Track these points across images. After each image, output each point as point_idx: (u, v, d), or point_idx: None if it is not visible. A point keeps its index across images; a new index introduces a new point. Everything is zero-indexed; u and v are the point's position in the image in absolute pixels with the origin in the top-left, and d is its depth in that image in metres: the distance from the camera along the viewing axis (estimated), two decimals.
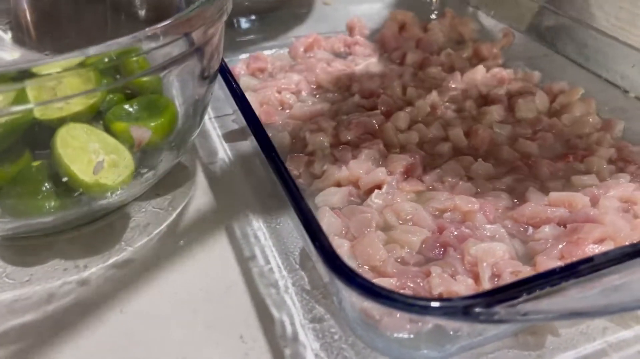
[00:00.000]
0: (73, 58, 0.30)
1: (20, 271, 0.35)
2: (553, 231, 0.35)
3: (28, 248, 0.36)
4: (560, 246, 0.33)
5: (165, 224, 0.38)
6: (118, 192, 0.35)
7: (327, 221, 0.35)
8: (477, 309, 0.23)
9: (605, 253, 0.26)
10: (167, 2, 0.48)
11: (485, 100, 0.48)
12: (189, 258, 0.36)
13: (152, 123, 0.38)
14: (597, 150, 0.41)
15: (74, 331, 0.31)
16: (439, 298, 0.24)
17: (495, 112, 0.46)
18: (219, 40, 0.39)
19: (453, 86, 0.50)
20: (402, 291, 0.26)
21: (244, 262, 0.36)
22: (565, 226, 0.35)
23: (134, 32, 0.31)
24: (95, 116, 0.37)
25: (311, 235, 0.27)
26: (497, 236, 0.35)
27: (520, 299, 0.23)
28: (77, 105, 0.35)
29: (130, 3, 0.50)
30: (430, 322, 0.26)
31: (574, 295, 0.25)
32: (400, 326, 0.27)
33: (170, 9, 0.48)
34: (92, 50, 0.30)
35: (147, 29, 0.32)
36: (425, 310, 0.23)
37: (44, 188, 0.34)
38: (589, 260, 0.25)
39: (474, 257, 0.32)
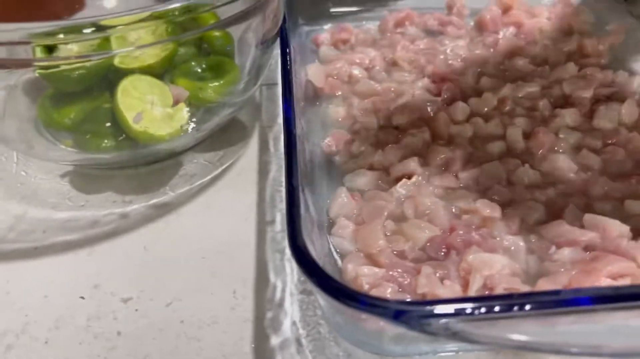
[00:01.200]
0: (142, 12, 0.34)
1: (79, 196, 0.41)
2: (573, 254, 0.32)
3: (92, 178, 0.42)
4: (573, 273, 0.31)
5: (209, 177, 0.42)
6: (166, 142, 0.39)
7: (340, 202, 0.36)
8: (408, 317, 0.23)
9: (576, 290, 0.24)
10: None
11: (565, 101, 0.44)
12: (216, 211, 0.39)
13: (212, 84, 0.41)
14: None
15: (103, 256, 0.36)
16: (374, 296, 0.25)
17: (568, 116, 0.42)
18: (279, 3, 0.41)
19: (538, 81, 0.47)
20: (341, 282, 0.26)
21: (263, 224, 0.38)
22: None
23: None
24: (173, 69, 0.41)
25: (288, 212, 0.28)
26: (513, 248, 0.33)
27: (452, 319, 0.23)
28: (151, 57, 0.40)
29: None
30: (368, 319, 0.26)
31: (522, 327, 0.23)
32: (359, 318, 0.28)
33: None
34: (160, 5, 0.34)
35: None
36: (356, 304, 0.24)
37: (105, 129, 0.39)
38: (553, 293, 0.24)
39: (470, 265, 0.31)
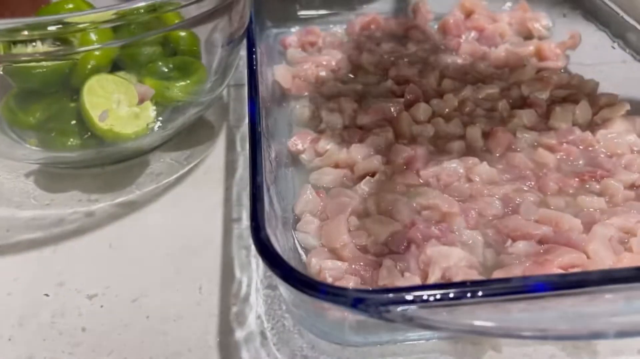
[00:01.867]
0: (107, 11, 0.34)
1: (44, 195, 0.41)
2: (527, 247, 0.33)
3: (58, 176, 0.42)
4: (527, 265, 0.32)
5: (175, 176, 0.42)
6: (133, 141, 0.40)
7: (305, 199, 0.37)
8: (367, 304, 0.24)
9: (527, 278, 0.25)
10: None
11: (523, 102, 0.46)
12: (183, 209, 0.40)
13: (179, 83, 0.42)
14: (619, 173, 0.38)
15: (68, 253, 0.36)
16: (334, 286, 0.25)
17: (525, 116, 0.43)
18: (245, 4, 0.42)
19: (498, 83, 0.48)
20: (302, 273, 0.27)
21: (229, 222, 0.39)
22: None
23: None
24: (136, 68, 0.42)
25: (252, 207, 0.29)
26: (470, 242, 0.34)
27: (409, 306, 0.24)
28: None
29: None
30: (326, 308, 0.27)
31: (475, 313, 0.25)
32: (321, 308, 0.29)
33: None
34: (123, 5, 0.34)
35: None
36: (317, 293, 0.25)
37: (70, 127, 0.39)
38: (505, 281, 0.25)
39: (429, 257, 0.32)
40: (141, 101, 0.37)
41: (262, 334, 0.32)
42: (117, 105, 0.39)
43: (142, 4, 0.33)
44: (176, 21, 0.38)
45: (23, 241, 0.37)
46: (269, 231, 0.28)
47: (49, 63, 0.37)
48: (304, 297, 0.25)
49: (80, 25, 0.33)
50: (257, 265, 0.36)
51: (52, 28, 0.32)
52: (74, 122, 0.39)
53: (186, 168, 0.43)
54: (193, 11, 0.37)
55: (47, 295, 0.34)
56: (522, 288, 0.25)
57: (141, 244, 0.37)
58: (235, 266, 0.36)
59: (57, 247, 0.37)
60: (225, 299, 0.34)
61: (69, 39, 0.34)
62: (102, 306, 0.33)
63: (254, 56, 0.40)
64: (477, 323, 0.24)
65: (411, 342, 0.31)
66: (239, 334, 0.32)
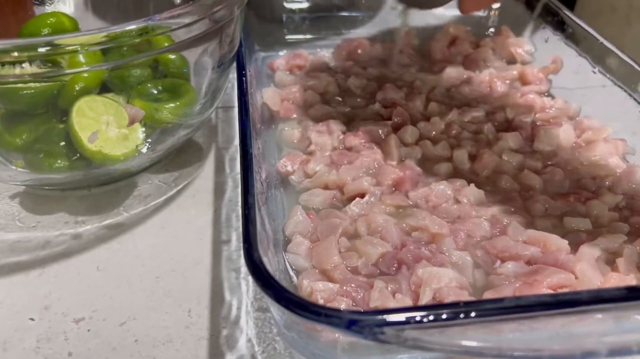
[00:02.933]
0: (98, 33, 0.34)
1: (30, 217, 0.40)
2: (516, 268, 0.34)
3: (44, 199, 0.41)
4: (516, 285, 0.32)
5: (163, 198, 0.42)
6: (121, 162, 0.39)
7: (296, 220, 0.37)
8: (361, 326, 0.24)
9: (518, 298, 0.26)
10: None
11: (508, 126, 0.47)
12: (171, 231, 0.39)
13: (168, 105, 0.42)
14: (603, 195, 0.39)
15: (54, 277, 0.36)
16: (328, 307, 0.25)
17: (511, 139, 0.44)
18: (235, 28, 0.42)
19: (483, 107, 0.49)
20: (296, 294, 0.27)
21: (218, 244, 0.38)
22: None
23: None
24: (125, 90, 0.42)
25: (245, 229, 0.29)
26: (460, 263, 0.35)
27: (402, 326, 0.24)
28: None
29: None
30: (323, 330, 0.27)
31: (468, 333, 0.25)
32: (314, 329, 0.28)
33: None
34: (114, 28, 0.34)
35: (174, 10, 0.35)
36: (311, 315, 0.24)
37: (58, 149, 0.39)
38: (497, 301, 0.25)
39: (420, 278, 0.32)
40: (131, 122, 0.37)
41: (253, 357, 0.31)
42: (106, 127, 0.39)
43: (134, 26, 0.33)
44: (166, 44, 0.39)
45: (8, 264, 0.36)
46: (261, 252, 0.28)
47: (37, 84, 0.37)
48: (297, 319, 0.25)
49: (70, 47, 0.33)
50: (248, 287, 0.35)
51: (41, 50, 0.32)
52: (62, 143, 0.39)
53: (174, 190, 0.43)
54: (183, 35, 0.37)
55: (32, 319, 0.33)
56: (515, 308, 0.25)
57: (129, 266, 0.37)
58: (225, 289, 0.35)
59: (43, 270, 0.36)
60: (215, 322, 0.33)
61: (57, 60, 0.34)
62: (89, 330, 0.33)
63: (244, 79, 0.41)
64: (470, 343, 0.24)
65: None
66: (230, 357, 0.31)
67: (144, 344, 0.32)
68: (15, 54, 0.32)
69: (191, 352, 0.31)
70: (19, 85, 0.36)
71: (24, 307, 0.34)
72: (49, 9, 0.55)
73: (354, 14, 0.63)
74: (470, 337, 0.24)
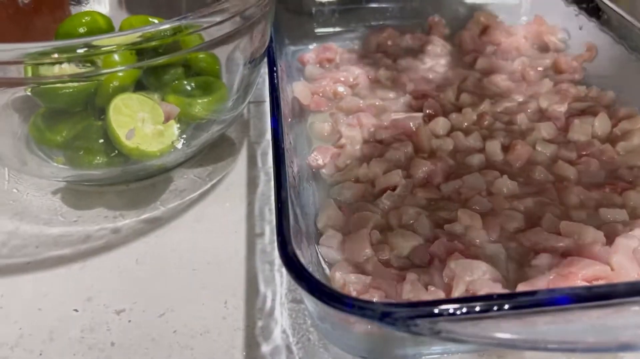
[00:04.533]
0: (133, 33, 0.35)
1: (72, 212, 0.41)
2: (550, 260, 0.33)
3: (84, 194, 0.43)
4: (550, 277, 0.32)
5: (198, 192, 0.43)
6: (157, 158, 0.40)
7: (328, 214, 0.37)
8: (394, 318, 0.24)
9: (552, 290, 0.26)
10: None
11: (542, 115, 0.46)
12: (206, 225, 0.40)
13: (201, 100, 0.42)
14: None
15: (96, 269, 0.37)
16: (361, 299, 0.26)
17: (544, 129, 0.44)
18: (265, 24, 0.42)
19: (516, 97, 0.49)
20: (329, 286, 0.27)
21: (252, 237, 0.39)
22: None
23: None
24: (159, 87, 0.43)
25: (278, 223, 0.29)
26: (494, 255, 0.35)
27: (436, 319, 0.24)
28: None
29: None
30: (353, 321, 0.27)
31: (501, 326, 0.25)
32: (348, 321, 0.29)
33: None
34: (148, 28, 0.35)
35: (206, 9, 0.36)
36: (344, 307, 0.25)
37: (97, 146, 0.40)
38: (530, 293, 0.25)
39: (452, 271, 0.32)
40: (167, 119, 0.38)
41: (288, 348, 0.32)
42: (142, 124, 0.40)
43: (167, 26, 0.34)
44: (197, 43, 0.39)
45: (52, 258, 0.38)
46: (295, 245, 0.28)
47: (75, 84, 0.38)
48: (331, 311, 0.26)
49: (107, 48, 0.34)
50: (282, 279, 0.36)
51: (80, 51, 0.33)
52: (100, 140, 0.40)
53: (209, 184, 0.44)
54: (215, 33, 0.38)
55: (76, 310, 0.34)
56: (548, 300, 0.25)
57: (167, 259, 0.38)
58: (259, 281, 0.36)
59: (85, 263, 0.37)
60: (250, 313, 0.34)
61: (94, 59, 0.35)
62: (130, 321, 0.34)
63: (275, 74, 0.41)
64: (504, 335, 0.24)
65: (435, 356, 0.31)
66: (265, 348, 0.32)
67: (183, 335, 0.33)
68: (55, 55, 0.33)
69: (228, 343, 0.32)
70: (58, 84, 0.38)
71: (68, 299, 0.35)
72: (85, 8, 0.56)
73: (383, 5, 0.63)
74: (504, 329, 0.24)
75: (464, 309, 0.24)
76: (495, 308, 0.24)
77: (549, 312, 0.25)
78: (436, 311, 0.24)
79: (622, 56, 0.54)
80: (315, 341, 0.32)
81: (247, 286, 0.36)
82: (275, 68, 0.42)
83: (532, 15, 0.59)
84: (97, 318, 0.34)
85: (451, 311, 0.24)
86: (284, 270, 0.37)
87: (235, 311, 0.34)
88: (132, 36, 0.33)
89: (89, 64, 0.36)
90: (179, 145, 0.41)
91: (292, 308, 0.34)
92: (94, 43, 0.33)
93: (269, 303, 0.35)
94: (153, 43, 0.33)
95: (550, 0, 0.60)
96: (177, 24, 0.34)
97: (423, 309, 0.24)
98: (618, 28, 0.52)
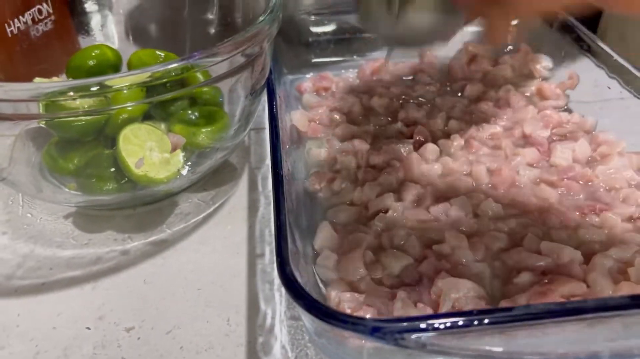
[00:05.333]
0: (143, 73, 0.38)
1: (83, 235, 0.44)
2: (531, 278, 0.36)
3: (94, 218, 0.45)
4: (531, 295, 0.35)
5: (202, 215, 0.46)
6: (164, 184, 0.43)
7: (324, 235, 0.40)
8: (384, 333, 0.27)
9: (528, 306, 0.28)
10: None
11: (526, 140, 0.49)
12: (210, 246, 0.43)
13: (205, 129, 0.45)
14: (617, 207, 0.41)
15: (106, 289, 0.39)
16: (354, 316, 0.28)
17: (528, 154, 0.46)
18: (265, 58, 0.45)
19: (501, 123, 0.51)
20: (325, 305, 0.29)
21: (253, 258, 0.42)
22: None
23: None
24: (166, 118, 0.46)
25: (277, 245, 0.32)
26: (479, 274, 0.37)
27: (421, 333, 0.26)
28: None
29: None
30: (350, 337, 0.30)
31: (484, 339, 0.27)
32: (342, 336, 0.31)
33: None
34: (156, 68, 0.38)
35: (210, 49, 0.38)
36: (338, 323, 0.27)
37: (108, 173, 0.43)
38: (508, 309, 0.28)
39: (440, 289, 0.35)
40: (174, 148, 0.41)
41: None
42: (150, 152, 0.43)
43: (176, 65, 0.36)
44: (203, 79, 0.42)
45: (65, 279, 0.40)
46: (293, 266, 0.31)
47: (87, 117, 0.41)
48: (326, 327, 0.28)
49: (119, 86, 0.37)
50: (281, 298, 0.38)
51: (93, 89, 0.36)
52: (111, 168, 0.43)
53: (212, 208, 0.46)
54: (219, 70, 0.41)
55: (88, 328, 0.37)
56: (525, 316, 0.27)
57: (173, 280, 0.40)
58: (260, 299, 0.38)
59: (96, 284, 0.40)
60: (251, 330, 0.36)
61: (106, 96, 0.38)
62: (139, 338, 0.36)
63: (274, 103, 0.44)
64: (486, 348, 0.27)
65: None
66: None
67: (189, 351, 0.35)
68: (70, 93, 0.36)
69: (231, 358, 0.35)
70: (71, 118, 0.40)
71: (81, 317, 0.37)
72: (93, 39, 0.59)
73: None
74: (486, 342, 0.27)
75: (447, 324, 0.26)
76: (476, 322, 0.27)
77: (524, 327, 0.27)
78: (422, 326, 0.26)
79: (603, 82, 0.57)
80: (312, 356, 0.35)
81: (249, 304, 0.38)
82: (274, 99, 0.44)
83: (517, 44, 0.62)
84: (108, 335, 0.36)
85: (435, 326, 0.26)
86: (283, 289, 0.39)
87: (237, 328, 0.37)
88: (143, 76, 0.35)
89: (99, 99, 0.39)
90: (184, 172, 0.44)
91: (290, 325, 0.37)
92: (107, 82, 0.36)
93: (269, 320, 0.37)
94: (162, 80, 0.36)
95: (535, 28, 0.63)
96: (184, 63, 0.36)
97: (409, 325, 0.27)
98: (598, 55, 0.55)
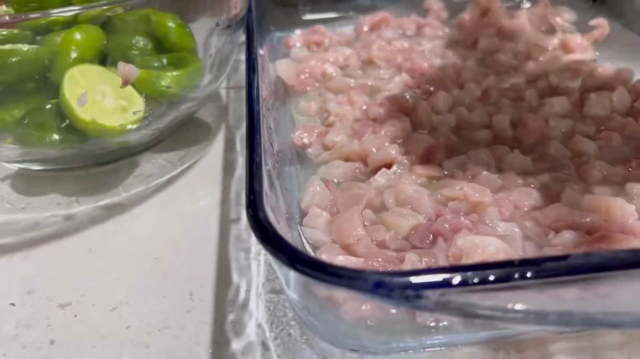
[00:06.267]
0: None
1: (20, 199, 0.36)
2: (574, 237, 0.28)
3: (37, 179, 0.38)
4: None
5: (166, 177, 0.38)
6: (119, 135, 0.35)
7: (313, 191, 0.32)
8: (392, 287, 0.19)
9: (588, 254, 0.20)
10: None
11: (553, 92, 0.42)
12: (173, 210, 0.35)
13: (171, 73, 0.38)
14: None
15: (41, 259, 0.32)
16: (350, 268, 0.20)
17: (557, 104, 0.39)
18: None
19: (523, 75, 0.44)
20: (310, 254, 0.22)
21: (226, 223, 0.34)
22: None
23: None
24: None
25: (249, 176, 0.24)
26: (507, 235, 0.29)
27: (447, 289, 0.19)
28: None
29: None
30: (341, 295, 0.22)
31: (526, 298, 0.19)
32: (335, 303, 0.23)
33: None
34: None
35: None
36: (330, 278, 0.20)
37: (50, 122, 0.35)
38: (562, 258, 0.20)
39: (460, 250, 0.27)
40: (125, 83, 0.33)
41: (264, 344, 0.27)
42: (102, 97, 0.35)
43: None
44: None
45: None
46: (269, 212, 0.23)
47: (26, 47, 0.33)
48: (313, 283, 0.21)
49: None
50: (259, 267, 0.31)
51: None
52: (53, 117, 0.35)
53: (179, 169, 0.39)
54: None
55: (12, 304, 0.29)
56: (584, 267, 0.19)
57: (125, 248, 0.32)
58: (232, 270, 0.31)
59: (29, 253, 0.32)
60: (220, 306, 0.29)
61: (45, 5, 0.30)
62: (75, 316, 0.28)
63: (252, 25, 0.37)
64: (528, 308, 0.19)
65: (442, 349, 0.26)
66: (236, 345, 0.27)
67: (137, 331, 0.27)
68: None
69: (191, 339, 0.27)
70: (7, 47, 0.33)
71: (5, 291, 0.30)
72: None
73: None
74: (529, 301, 0.19)
75: (485, 277, 0.19)
76: (516, 275, 0.19)
77: (587, 280, 0.19)
78: (447, 277, 0.19)
79: (633, 41, 0.50)
80: (297, 337, 0.27)
81: (218, 276, 0.30)
82: (251, 27, 0.37)
83: (534, 2, 0.55)
84: (36, 312, 0.28)
85: (467, 278, 0.19)
86: (263, 259, 0.31)
87: (201, 303, 0.29)
88: None
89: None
90: (145, 122, 0.36)
91: (270, 300, 0.29)
92: None
93: (242, 294, 0.29)
94: None
95: None
96: None
97: (428, 277, 0.19)
98: (628, 11, 0.48)
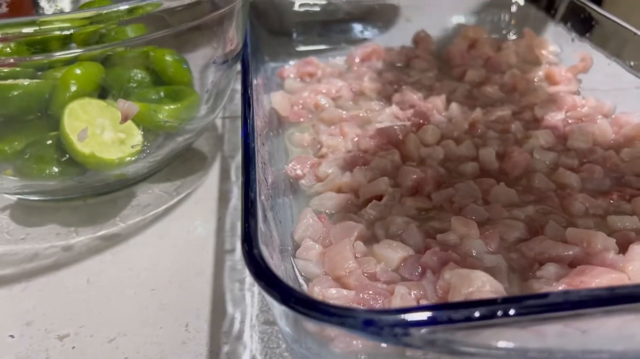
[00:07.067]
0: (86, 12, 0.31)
1: (20, 229, 0.37)
2: (558, 270, 0.29)
3: (36, 210, 0.38)
4: (559, 288, 0.28)
5: (163, 207, 0.39)
6: (117, 167, 0.36)
7: (306, 223, 0.33)
8: (381, 325, 0.20)
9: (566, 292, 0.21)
10: None
11: (538, 125, 0.43)
12: (169, 241, 0.36)
13: (169, 107, 0.39)
14: None
15: (40, 291, 0.32)
16: (340, 306, 0.21)
17: (542, 137, 0.40)
18: (236, 27, 0.39)
19: (509, 108, 0.45)
20: (303, 292, 0.23)
21: (222, 254, 0.35)
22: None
23: None
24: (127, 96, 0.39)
25: (244, 222, 0.25)
26: (494, 267, 0.30)
27: (431, 327, 0.20)
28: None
29: None
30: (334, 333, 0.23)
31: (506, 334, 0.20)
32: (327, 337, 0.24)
33: None
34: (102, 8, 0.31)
35: None
36: (322, 316, 0.21)
37: (50, 155, 0.36)
38: (542, 296, 0.21)
39: (447, 283, 0.28)
40: (124, 119, 0.34)
41: None
42: (101, 131, 0.36)
43: (125, 7, 0.30)
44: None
45: None
46: (263, 248, 0.24)
47: (27, 82, 0.34)
48: (306, 320, 0.21)
49: (58, 25, 0.30)
50: (253, 299, 0.32)
51: (26, 30, 0.29)
52: (56, 150, 0.36)
53: (175, 199, 0.39)
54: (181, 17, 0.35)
55: (12, 336, 0.30)
56: (565, 304, 0.21)
57: (123, 279, 0.33)
58: (227, 301, 0.31)
59: (28, 284, 0.33)
60: (215, 337, 0.29)
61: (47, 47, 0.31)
62: (73, 348, 0.29)
63: (247, 64, 0.38)
64: (512, 345, 0.20)
65: None
66: None
67: None
68: None
69: None
70: (9, 82, 0.34)
71: (4, 323, 0.30)
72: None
73: (366, 24, 0.60)
74: (515, 338, 0.20)
75: (470, 314, 0.20)
76: (499, 313, 0.20)
77: (565, 318, 0.21)
78: (433, 315, 0.20)
79: (618, 69, 0.51)
80: None
81: (213, 307, 0.31)
82: (247, 61, 0.38)
83: (519, 32, 0.57)
84: (35, 344, 0.29)
85: (452, 316, 0.20)
86: (255, 288, 0.32)
87: (197, 334, 0.29)
88: (85, 13, 0.29)
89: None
90: (143, 155, 0.37)
91: (263, 331, 0.30)
92: (42, 20, 0.30)
93: (237, 326, 0.30)
94: (108, 21, 0.30)
95: (537, 17, 0.58)
96: (133, 4, 0.30)
97: (415, 316, 0.20)
98: (612, 40, 0.50)
